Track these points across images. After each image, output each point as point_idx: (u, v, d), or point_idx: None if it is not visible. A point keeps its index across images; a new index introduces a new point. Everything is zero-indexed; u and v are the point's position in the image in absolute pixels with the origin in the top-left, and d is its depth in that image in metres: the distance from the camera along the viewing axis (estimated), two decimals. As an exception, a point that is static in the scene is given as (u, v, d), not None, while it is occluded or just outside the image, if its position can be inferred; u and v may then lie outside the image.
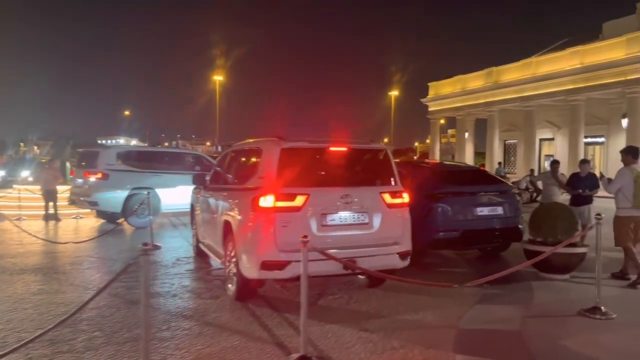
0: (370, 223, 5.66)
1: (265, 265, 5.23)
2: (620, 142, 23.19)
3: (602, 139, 28.84)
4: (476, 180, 8.42)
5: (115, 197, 11.75)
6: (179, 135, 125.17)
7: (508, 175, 27.79)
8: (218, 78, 69.60)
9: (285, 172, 5.45)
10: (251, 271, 5.38)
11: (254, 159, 6.19)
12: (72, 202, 12.86)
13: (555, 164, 9.44)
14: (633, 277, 6.66)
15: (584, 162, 9.05)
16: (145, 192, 10.57)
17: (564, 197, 9.32)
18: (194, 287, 6.55)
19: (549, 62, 29.78)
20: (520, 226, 8.03)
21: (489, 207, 7.85)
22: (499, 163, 30.86)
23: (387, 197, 5.77)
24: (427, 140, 50.58)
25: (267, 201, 5.32)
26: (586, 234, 7.02)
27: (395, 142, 58.85)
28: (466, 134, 38.19)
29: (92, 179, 11.87)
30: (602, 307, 5.21)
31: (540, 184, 9.60)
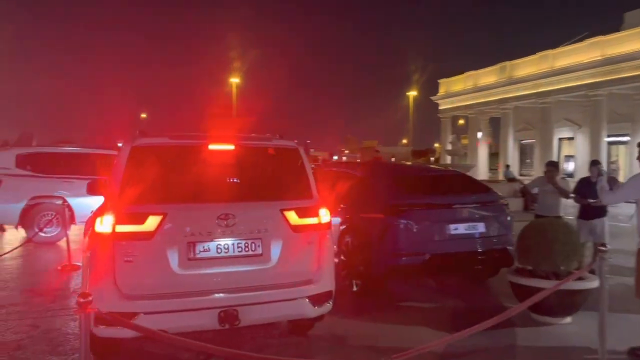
0: (265, 254, 3.88)
1: (101, 320, 3.49)
2: (646, 141, 20.84)
3: (626, 138, 26.34)
4: (453, 188, 6.55)
5: (10, 208, 9.84)
6: None
7: (521, 178, 25.62)
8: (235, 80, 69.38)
9: (135, 181, 3.72)
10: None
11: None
12: None
13: (551, 165, 7.42)
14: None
15: (594, 163, 7.11)
16: (55, 201, 8.92)
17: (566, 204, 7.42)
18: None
19: (567, 55, 27.44)
20: (509, 247, 6.14)
21: (468, 224, 5.99)
22: (507, 166, 28.63)
23: (293, 217, 3.98)
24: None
25: (104, 225, 3.59)
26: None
27: (415, 143, 56.64)
28: (479, 134, 35.98)
29: None
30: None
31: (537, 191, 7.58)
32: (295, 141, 4.38)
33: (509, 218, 6.35)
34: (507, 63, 31.95)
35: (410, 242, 5.77)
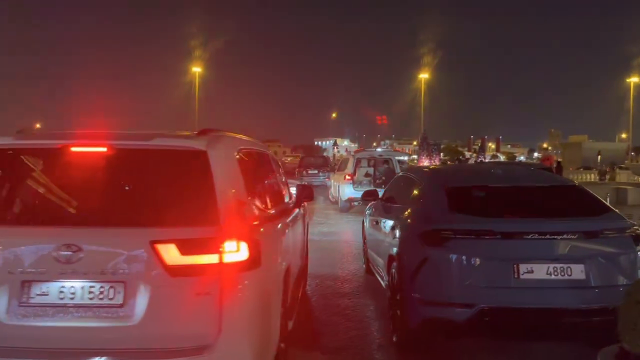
0: (127, 305, 2.70)
1: None
2: None
3: None
4: (542, 206, 4.39)
5: None
6: (379, 135, 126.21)
7: None
8: (424, 76, 67.41)
9: None
10: None
11: None
12: None
13: None
14: None
15: None
16: None
17: None
18: None
19: None
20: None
21: (553, 264, 3.87)
22: None
23: (171, 252, 2.70)
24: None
25: None
26: None
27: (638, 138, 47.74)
28: None
29: None
30: None
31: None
32: (209, 136, 3.09)
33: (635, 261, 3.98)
34: None
35: (450, 285, 3.94)
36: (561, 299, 3.80)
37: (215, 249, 2.72)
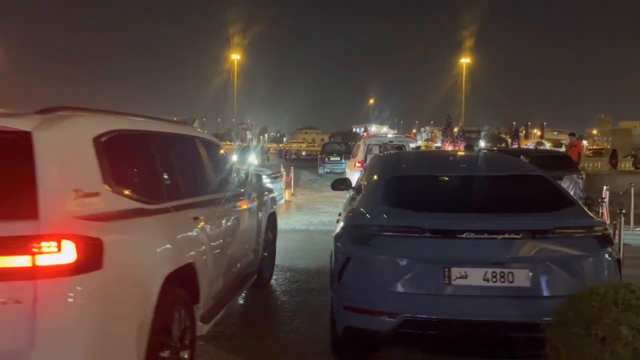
0: None
1: None
2: None
3: None
4: (494, 199, 3.76)
5: None
6: (417, 122, 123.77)
7: None
8: (465, 61, 65.03)
9: None
10: None
11: None
12: None
13: None
14: None
15: None
16: None
17: None
18: None
19: None
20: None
21: (492, 269, 3.25)
22: None
23: None
24: None
25: None
26: None
27: None
28: None
29: None
30: None
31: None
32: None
33: (607, 265, 3.32)
34: None
35: (373, 290, 3.40)
36: (499, 311, 3.19)
37: (27, 248, 2.29)
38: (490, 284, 3.23)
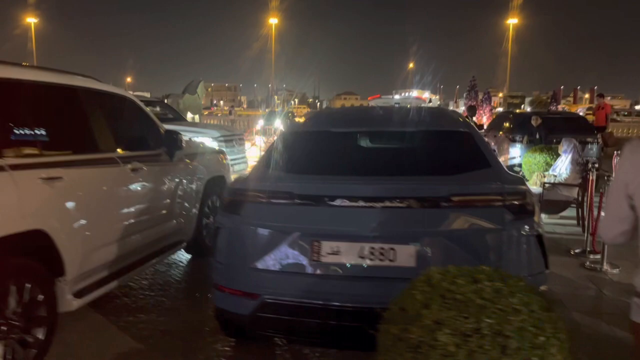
0: None
1: None
2: None
3: None
4: (396, 156, 3.11)
5: None
6: (458, 87, 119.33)
7: None
8: (512, 21, 61.52)
9: None
10: None
11: None
12: None
13: None
14: None
15: None
16: None
17: None
18: None
19: None
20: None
21: (373, 244, 2.65)
22: None
23: None
24: None
25: None
26: None
27: None
28: None
29: None
30: None
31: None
32: None
33: (517, 242, 2.65)
34: None
35: (237, 266, 2.88)
36: (373, 296, 2.60)
37: None
38: (368, 262, 2.64)
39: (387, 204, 2.63)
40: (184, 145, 4.78)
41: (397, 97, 18.56)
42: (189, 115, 19.93)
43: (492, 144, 10.21)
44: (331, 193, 2.70)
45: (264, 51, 56.85)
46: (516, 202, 2.69)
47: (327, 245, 2.68)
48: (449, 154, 3.13)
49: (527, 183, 3.00)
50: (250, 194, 2.87)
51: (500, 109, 36.41)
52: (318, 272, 2.70)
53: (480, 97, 33.01)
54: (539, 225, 2.79)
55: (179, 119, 10.19)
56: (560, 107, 41.52)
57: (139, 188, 4.17)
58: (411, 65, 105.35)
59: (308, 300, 2.67)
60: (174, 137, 4.68)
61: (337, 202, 2.67)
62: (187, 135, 5.83)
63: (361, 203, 2.65)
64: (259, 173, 3.02)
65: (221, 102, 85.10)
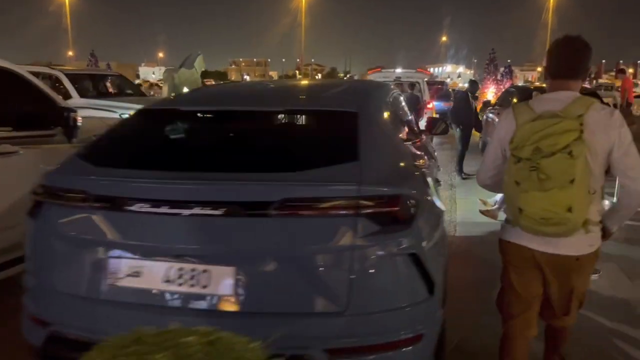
0: None
1: None
2: None
3: None
4: (257, 145, 2.40)
5: None
6: (475, 60, 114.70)
7: None
8: None
9: None
10: None
11: None
12: None
13: None
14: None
15: None
16: None
17: None
18: None
19: None
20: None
21: (182, 264, 1.97)
22: None
23: None
24: None
25: None
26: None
27: None
28: None
29: None
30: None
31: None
32: None
33: (379, 266, 1.94)
34: None
35: (32, 286, 2.27)
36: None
37: None
38: (174, 287, 1.97)
39: (199, 210, 1.94)
40: (79, 124, 4.19)
41: (398, 70, 17.17)
42: (185, 91, 19.58)
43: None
44: (130, 194, 2.02)
45: (294, 25, 55.72)
46: (378, 210, 1.94)
47: (125, 265, 2.02)
48: (312, 142, 2.38)
49: (413, 183, 2.21)
50: (46, 192, 2.22)
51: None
52: (115, 299, 2.05)
53: (500, 71, 31.20)
54: (422, 238, 2.05)
55: (138, 94, 9.80)
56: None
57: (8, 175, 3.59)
58: (444, 38, 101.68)
59: (97, 337, 2.03)
60: (66, 115, 4.08)
61: (135, 207, 1.99)
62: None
63: (165, 209, 1.96)
64: (68, 164, 2.36)
65: (247, 77, 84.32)
